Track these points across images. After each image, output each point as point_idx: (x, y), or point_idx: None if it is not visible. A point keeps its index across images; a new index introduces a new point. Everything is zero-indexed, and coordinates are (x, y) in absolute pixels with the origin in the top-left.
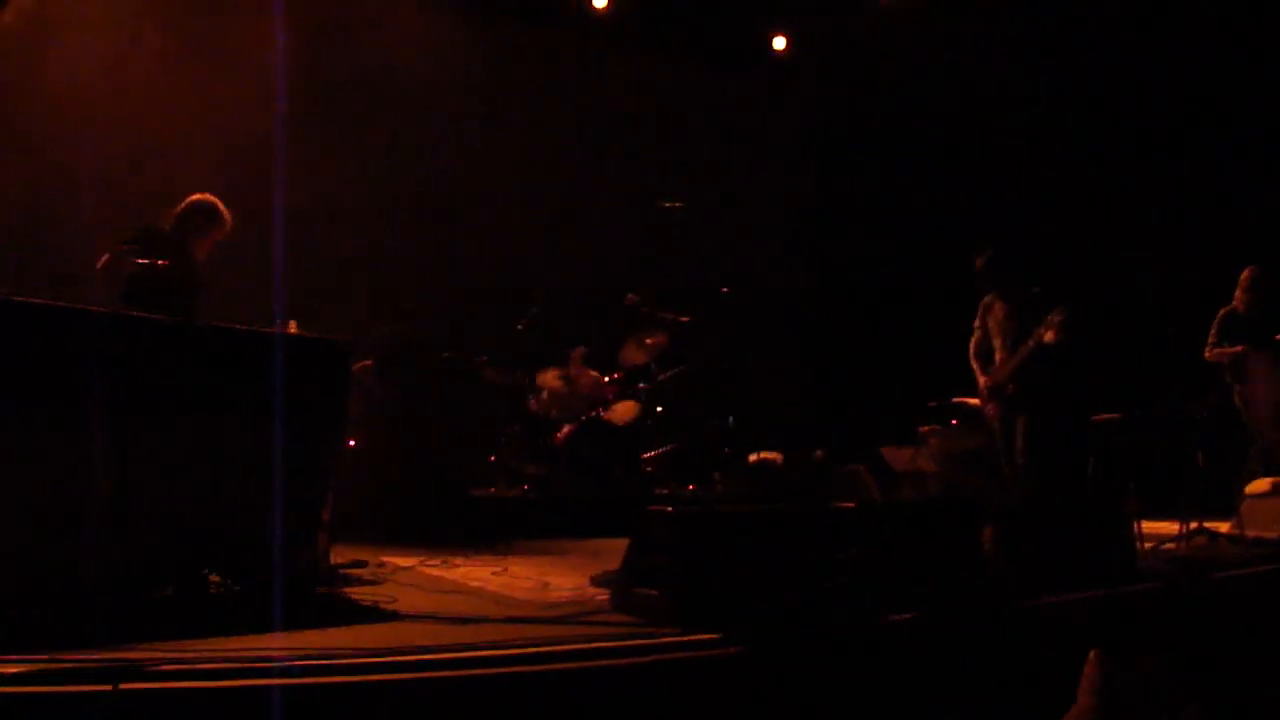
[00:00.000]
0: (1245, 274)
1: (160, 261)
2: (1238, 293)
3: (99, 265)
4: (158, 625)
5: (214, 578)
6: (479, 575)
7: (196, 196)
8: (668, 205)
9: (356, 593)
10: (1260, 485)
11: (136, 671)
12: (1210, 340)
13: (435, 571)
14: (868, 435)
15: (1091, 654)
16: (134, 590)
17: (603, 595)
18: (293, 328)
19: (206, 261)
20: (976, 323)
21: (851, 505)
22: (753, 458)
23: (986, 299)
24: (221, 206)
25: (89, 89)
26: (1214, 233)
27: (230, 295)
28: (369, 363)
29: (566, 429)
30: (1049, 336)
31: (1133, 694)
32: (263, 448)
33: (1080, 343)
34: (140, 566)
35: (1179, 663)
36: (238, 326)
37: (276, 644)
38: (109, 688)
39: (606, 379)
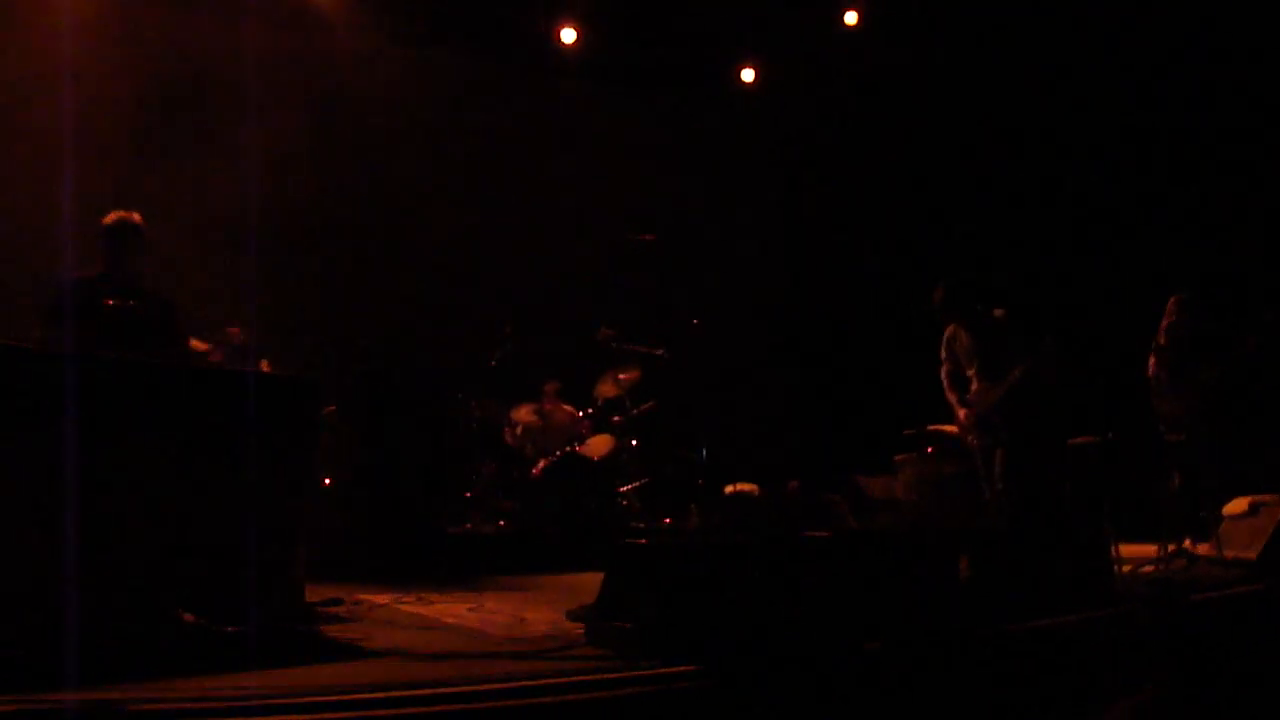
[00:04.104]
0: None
1: (130, 302)
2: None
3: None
4: (133, 664)
5: (189, 616)
6: (455, 611)
7: (123, 214)
8: (639, 238)
9: (333, 630)
10: (1238, 505)
11: (115, 712)
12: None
13: (411, 608)
14: (843, 464)
15: None
16: (108, 628)
17: (579, 630)
18: (265, 366)
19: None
20: (943, 355)
21: (826, 534)
22: (729, 489)
23: (949, 330)
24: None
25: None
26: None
27: (199, 335)
28: (333, 408)
29: (541, 463)
30: (1048, 375)
31: None
32: (237, 486)
33: (1065, 371)
34: (115, 605)
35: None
36: (211, 366)
37: (256, 682)
38: None
39: (581, 413)
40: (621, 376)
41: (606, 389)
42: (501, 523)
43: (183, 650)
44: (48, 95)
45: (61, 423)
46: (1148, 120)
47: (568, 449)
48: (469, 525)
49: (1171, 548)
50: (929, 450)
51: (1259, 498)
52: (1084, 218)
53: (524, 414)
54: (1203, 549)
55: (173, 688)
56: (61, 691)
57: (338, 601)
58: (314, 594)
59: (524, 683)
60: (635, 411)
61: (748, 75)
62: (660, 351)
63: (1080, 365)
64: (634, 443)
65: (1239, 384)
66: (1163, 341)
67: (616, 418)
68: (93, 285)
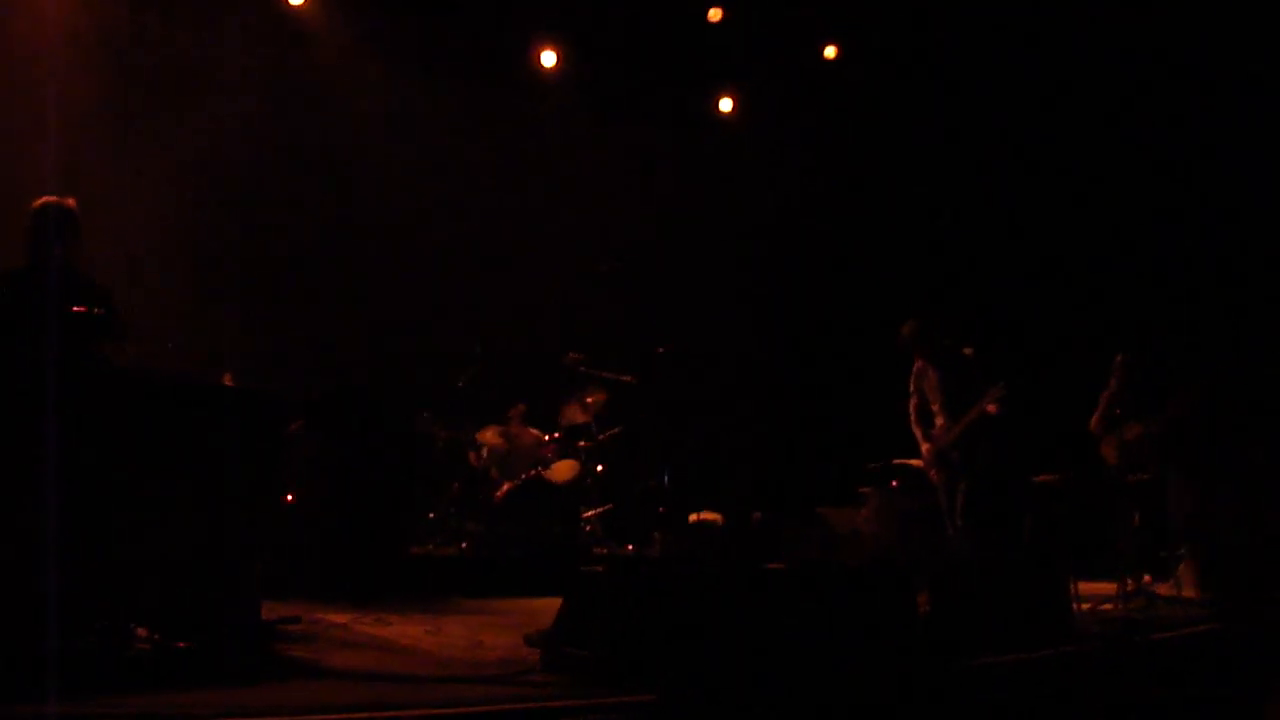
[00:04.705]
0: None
1: (97, 310)
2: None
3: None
4: (84, 679)
5: (142, 631)
6: (412, 634)
7: (53, 199)
8: (609, 264)
9: (289, 649)
10: None
11: None
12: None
13: (369, 629)
14: (808, 496)
15: None
16: (59, 642)
17: (536, 655)
18: (227, 380)
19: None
20: (911, 388)
21: (788, 566)
22: (692, 518)
23: (918, 365)
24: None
25: None
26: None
27: (162, 346)
28: (298, 424)
29: (506, 487)
30: (991, 409)
31: None
32: (195, 499)
33: (1020, 412)
34: (66, 618)
35: None
36: (173, 376)
37: (205, 700)
38: None
39: (547, 437)
40: (589, 401)
41: (573, 414)
42: (464, 545)
43: (135, 666)
44: (21, 103)
45: (20, 429)
46: (1128, 160)
47: (532, 473)
48: (431, 546)
49: (1131, 586)
50: (893, 484)
51: None
52: (1062, 253)
53: (490, 436)
54: (1162, 588)
55: (123, 704)
56: (13, 704)
57: (295, 620)
58: (272, 611)
59: (477, 708)
60: (601, 437)
61: (725, 105)
62: (627, 378)
63: (1041, 406)
64: (599, 468)
65: (1173, 441)
66: (1108, 398)
67: (582, 443)
68: (17, 280)
